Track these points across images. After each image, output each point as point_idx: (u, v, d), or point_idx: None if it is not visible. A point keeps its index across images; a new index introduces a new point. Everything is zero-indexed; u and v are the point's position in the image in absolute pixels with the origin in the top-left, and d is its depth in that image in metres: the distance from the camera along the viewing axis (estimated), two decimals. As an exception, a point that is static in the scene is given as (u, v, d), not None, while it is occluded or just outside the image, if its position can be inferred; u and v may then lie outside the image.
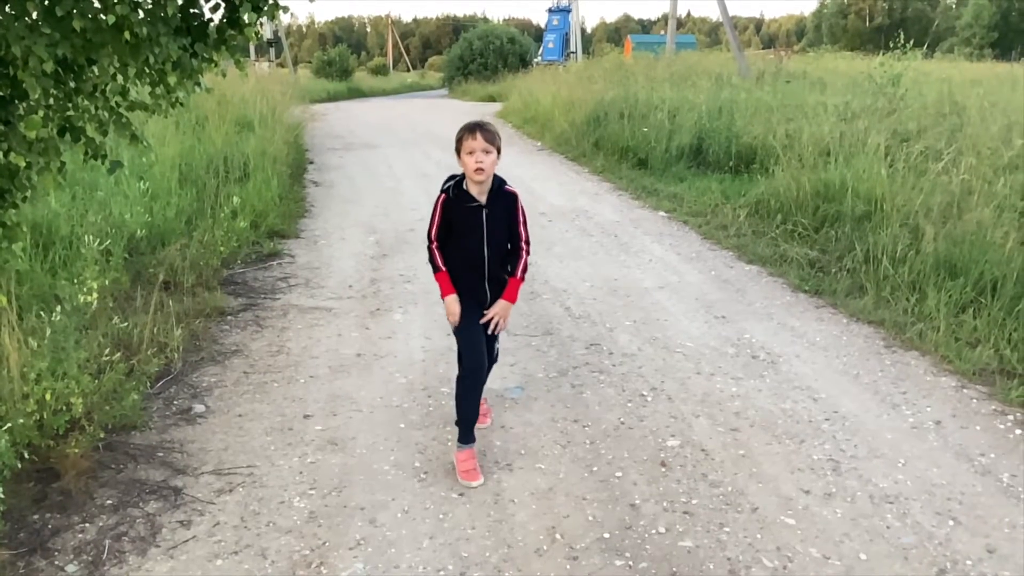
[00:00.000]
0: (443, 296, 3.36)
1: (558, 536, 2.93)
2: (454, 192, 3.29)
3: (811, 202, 7.14)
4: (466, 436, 3.41)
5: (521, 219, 3.37)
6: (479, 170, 3.20)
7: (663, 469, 3.42)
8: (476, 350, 3.38)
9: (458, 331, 3.40)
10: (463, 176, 3.30)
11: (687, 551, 2.86)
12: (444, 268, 3.34)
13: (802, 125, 9.14)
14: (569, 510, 3.10)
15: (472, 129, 3.24)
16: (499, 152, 3.27)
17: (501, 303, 3.38)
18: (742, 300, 5.66)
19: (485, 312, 3.38)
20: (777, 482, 3.30)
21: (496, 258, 3.34)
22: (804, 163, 7.81)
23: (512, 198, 3.34)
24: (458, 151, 3.26)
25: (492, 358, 3.59)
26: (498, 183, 3.32)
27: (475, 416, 3.46)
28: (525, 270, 3.41)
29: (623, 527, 3.00)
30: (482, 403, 3.70)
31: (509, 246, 3.39)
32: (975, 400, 4.08)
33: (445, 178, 3.38)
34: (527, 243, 3.41)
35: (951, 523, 3.02)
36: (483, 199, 3.27)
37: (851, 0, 64.84)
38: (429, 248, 3.37)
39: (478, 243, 3.28)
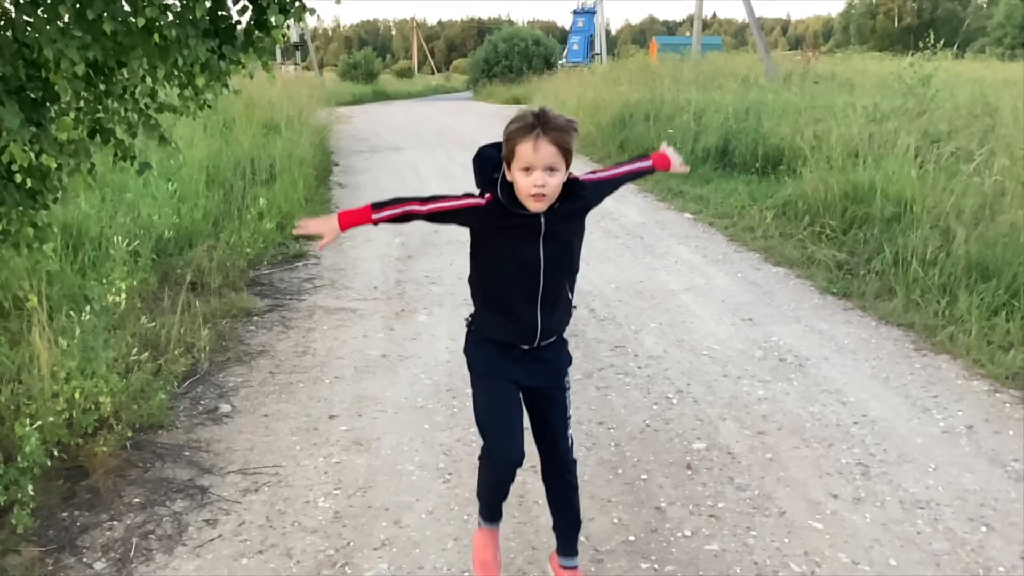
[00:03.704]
0: (339, 219, 2.27)
1: (583, 539, 2.90)
2: (505, 198, 2.23)
3: (839, 204, 7.05)
4: (491, 513, 2.61)
5: (604, 185, 2.51)
6: (539, 196, 2.16)
7: (689, 472, 3.39)
8: (503, 438, 2.34)
9: (485, 406, 2.41)
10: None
11: (714, 555, 2.83)
12: (374, 217, 2.28)
13: (830, 126, 9.03)
14: (594, 513, 3.08)
15: (532, 131, 2.11)
16: (569, 162, 2.19)
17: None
18: (769, 303, 5.61)
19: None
20: (805, 486, 3.26)
21: (556, 275, 2.32)
22: (832, 165, 7.72)
23: (575, 192, 2.30)
24: (507, 159, 2.19)
25: (561, 452, 2.51)
26: (563, 190, 2.23)
27: (502, 497, 2.54)
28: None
29: (649, 530, 2.97)
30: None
31: (572, 259, 2.40)
32: (1008, 404, 4.01)
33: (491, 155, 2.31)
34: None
35: (984, 529, 2.96)
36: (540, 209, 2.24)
37: (880, 0, 64.12)
38: (399, 201, 2.31)
39: (529, 259, 2.27)
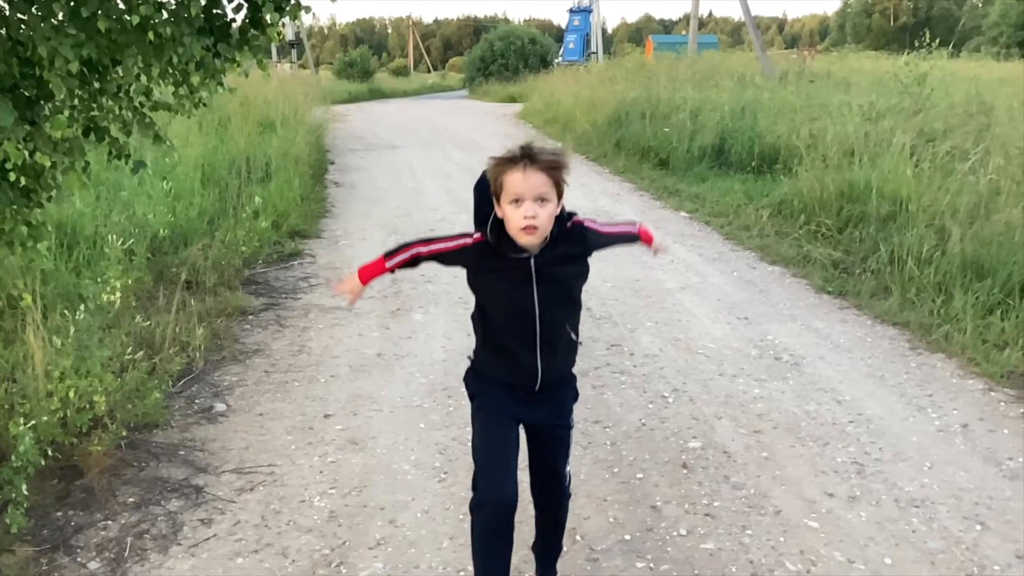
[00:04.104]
0: (358, 274, 2.35)
1: (579, 537, 2.91)
2: (495, 238, 2.16)
3: (835, 202, 7.06)
4: None
5: (605, 237, 2.38)
6: (530, 228, 2.07)
7: (685, 471, 3.39)
8: (498, 470, 2.21)
9: (480, 439, 2.30)
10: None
11: (709, 553, 2.83)
12: (387, 265, 2.33)
13: (826, 125, 9.04)
14: (590, 511, 3.08)
15: (519, 161, 2.05)
16: (561, 193, 2.12)
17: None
18: (765, 301, 5.62)
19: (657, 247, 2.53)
20: (801, 485, 3.27)
21: (553, 317, 2.24)
22: (828, 163, 7.73)
23: (580, 237, 2.25)
24: (496, 194, 2.11)
25: (559, 496, 2.46)
26: (558, 228, 2.16)
27: (500, 568, 2.26)
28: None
29: (644, 529, 2.97)
30: None
31: (572, 298, 2.34)
32: (1003, 403, 4.01)
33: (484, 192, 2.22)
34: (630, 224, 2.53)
35: (979, 528, 2.97)
36: (534, 249, 2.16)
37: (875, -1, 64.28)
38: (406, 245, 2.33)
39: (523, 302, 2.18)
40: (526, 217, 2.05)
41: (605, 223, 2.41)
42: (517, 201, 2.06)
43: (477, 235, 2.22)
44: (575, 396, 2.45)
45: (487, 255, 2.19)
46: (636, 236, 2.51)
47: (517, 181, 2.04)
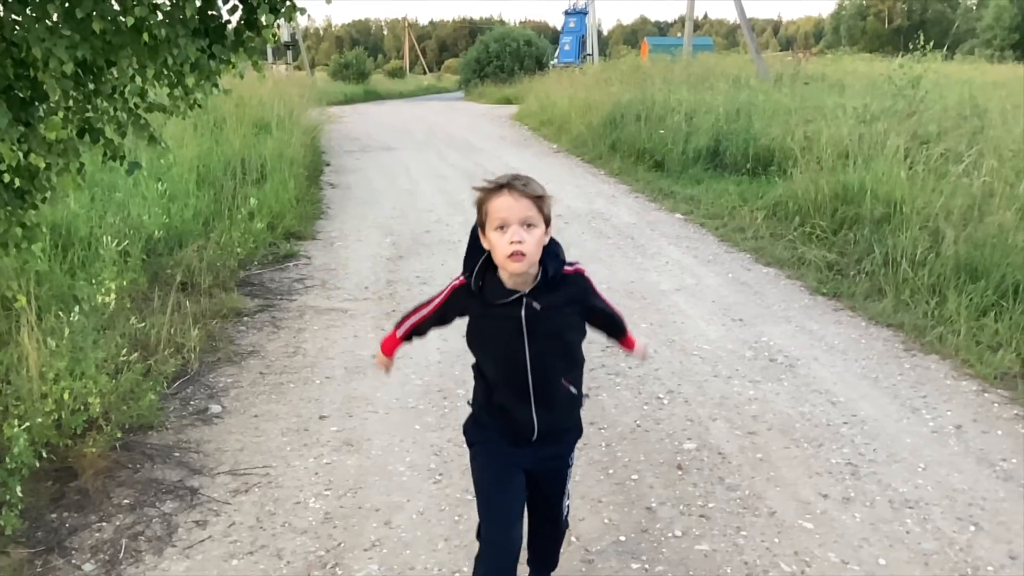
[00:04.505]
0: (382, 349, 2.42)
1: (574, 539, 2.91)
2: (478, 283, 2.09)
3: (829, 204, 7.07)
4: None
5: (601, 300, 2.30)
6: (517, 255, 1.96)
7: (680, 472, 3.39)
8: (503, 520, 2.19)
9: (481, 488, 2.25)
10: (489, 255, 2.06)
11: (704, 555, 2.84)
12: (397, 335, 2.36)
13: (821, 127, 9.06)
14: (585, 513, 3.08)
15: (503, 187, 1.98)
16: (548, 221, 2.02)
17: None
18: (760, 303, 5.63)
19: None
20: (795, 486, 3.28)
21: (548, 372, 2.14)
22: (822, 165, 7.74)
23: (577, 285, 2.17)
24: (482, 224, 2.03)
25: (555, 526, 2.45)
26: (554, 267, 2.07)
27: None
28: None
29: (639, 530, 2.98)
30: None
31: (569, 353, 2.22)
32: (996, 404, 4.03)
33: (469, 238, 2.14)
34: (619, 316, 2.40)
35: (972, 529, 2.98)
36: (524, 287, 2.06)
37: (870, 2, 64.36)
38: (410, 313, 2.34)
39: (514, 356, 2.10)
40: (512, 243, 1.94)
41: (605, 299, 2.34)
42: (503, 228, 1.96)
43: (463, 278, 2.15)
44: (579, 435, 2.40)
45: (475, 297, 2.11)
46: (624, 330, 2.42)
47: (501, 206, 1.96)
